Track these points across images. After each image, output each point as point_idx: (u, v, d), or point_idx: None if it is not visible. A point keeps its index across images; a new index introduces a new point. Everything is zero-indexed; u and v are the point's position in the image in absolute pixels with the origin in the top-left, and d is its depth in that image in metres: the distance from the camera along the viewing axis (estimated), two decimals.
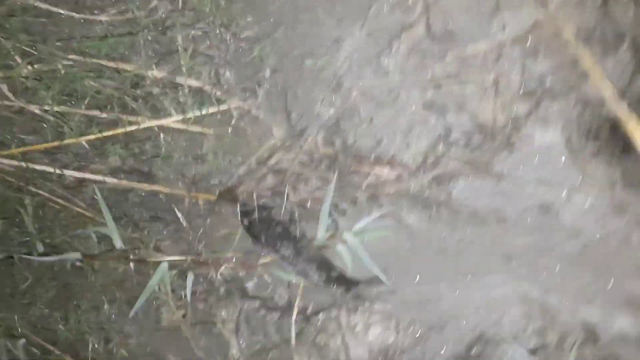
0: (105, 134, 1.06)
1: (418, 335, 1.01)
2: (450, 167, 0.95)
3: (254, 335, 1.08)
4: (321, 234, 1.01)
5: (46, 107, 1.08)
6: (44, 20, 1.01)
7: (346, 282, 1.02)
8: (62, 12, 0.96)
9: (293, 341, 1.04)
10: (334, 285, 1.01)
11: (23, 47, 1.03)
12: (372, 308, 1.03)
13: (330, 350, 1.01)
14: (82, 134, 1.08)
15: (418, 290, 1.02)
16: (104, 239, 1.20)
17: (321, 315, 1.04)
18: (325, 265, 1.02)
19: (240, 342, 1.09)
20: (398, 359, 1.02)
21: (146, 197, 1.18)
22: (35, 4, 0.96)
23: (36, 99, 1.08)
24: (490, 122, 0.90)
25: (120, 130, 1.06)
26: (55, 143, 1.09)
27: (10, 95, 1.06)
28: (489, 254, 0.97)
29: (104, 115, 1.08)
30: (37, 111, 1.08)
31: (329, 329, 1.01)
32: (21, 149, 1.09)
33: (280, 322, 1.07)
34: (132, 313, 1.05)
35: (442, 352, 1.00)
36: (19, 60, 1.03)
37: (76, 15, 0.98)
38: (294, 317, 1.05)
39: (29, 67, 1.03)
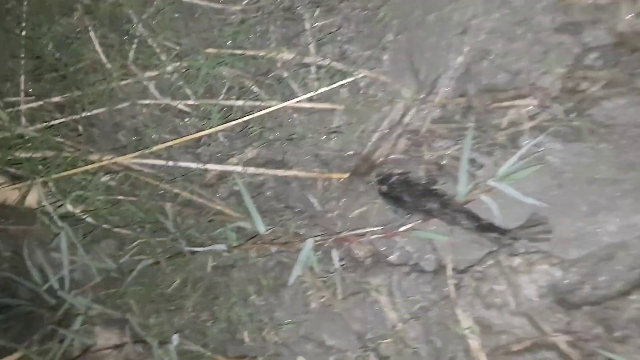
0: (243, 118, 1.11)
1: (586, 271, 0.96)
2: (591, 89, 0.95)
3: (409, 297, 1.06)
4: (462, 186, 1.01)
5: (189, 102, 1.15)
6: (184, 14, 1.10)
7: (498, 229, 1.00)
8: (201, 3, 1.05)
9: (453, 295, 1.01)
10: (488, 232, 0.99)
11: (167, 44, 1.12)
12: (530, 248, 1.00)
13: (496, 295, 0.97)
14: (220, 124, 1.14)
15: (575, 226, 0.99)
16: (243, 234, 1.23)
17: (478, 266, 1.01)
18: (474, 215, 1.01)
19: (397, 305, 1.06)
20: (570, 297, 0.97)
21: (279, 188, 1.22)
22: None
23: (180, 95, 1.16)
24: (628, 31, 0.90)
25: (256, 114, 1.11)
26: (198, 134, 1.15)
27: (156, 93, 1.15)
28: None
29: (241, 102, 1.14)
30: (181, 107, 1.15)
31: (490, 276, 0.99)
32: (166, 144, 1.16)
33: (434, 281, 1.05)
34: (290, 281, 1.06)
35: (615, 284, 0.94)
36: (163, 58, 1.12)
37: (215, 6, 1.07)
38: (449, 271, 1.03)
39: (173, 64, 1.11)
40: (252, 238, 1.23)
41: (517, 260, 0.99)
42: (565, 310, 0.97)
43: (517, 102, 0.99)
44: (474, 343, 1.01)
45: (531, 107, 0.99)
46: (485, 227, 1.02)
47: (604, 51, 0.96)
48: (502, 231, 1.03)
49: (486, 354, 1.01)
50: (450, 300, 1.04)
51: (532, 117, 1.00)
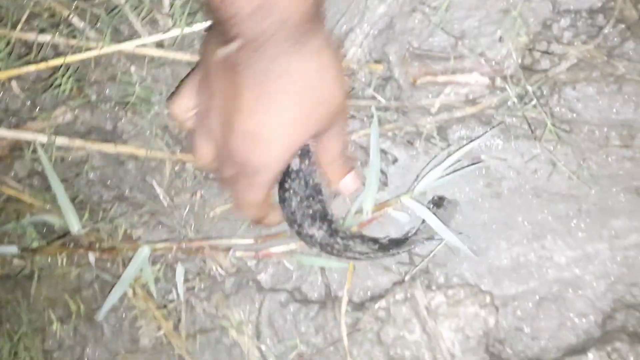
0: (50, 62, 0.68)
1: (524, 313, 0.68)
2: (554, 70, 0.64)
3: (283, 340, 0.71)
4: (369, 201, 0.69)
5: None
6: None
7: (405, 242, 0.68)
8: None
9: (345, 341, 0.68)
10: (391, 251, 0.66)
11: None
12: (451, 281, 0.70)
13: (406, 346, 0.66)
14: (12, 68, 0.70)
15: (513, 251, 0.71)
16: (49, 233, 0.82)
17: (383, 300, 0.69)
18: (370, 238, 0.67)
19: (265, 350, 0.71)
20: (504, 352, 0.68)
21: (108, 169, 0.82)
22: None
23: None
24: None
25: (71, 58, 0.69)
26: None
27: None
28: (613, 190, 0.67)
29: (47, 38, 0.71)
30: None
31: (399, 317, 0.67)
32: None
33: (320, 317, 0.71)
34: (100, 316, 0.68)
35: (562, 335, 0.67)
36: None
37: None
38: (343, 307, 0.69)
39: None
40: (61, 237, 0.81)
41: (437, 298, 0.68)
42: None
43: (457, 77, 0.66)
44: None
45: (475, 86, 0.67)
46: (386, 247, 0.70)
47: (581, 18, 0.66)
48: (409, 244, 0.71)
49: None
50: (342, 347, 0.71)
51: (473, 101, 0.68)
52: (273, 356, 0.76)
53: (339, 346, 0.74)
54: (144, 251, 0.76)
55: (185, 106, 0.67)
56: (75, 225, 0.78)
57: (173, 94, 0.72)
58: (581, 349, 0.68)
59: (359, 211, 0.73)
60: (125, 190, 0.88)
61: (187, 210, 0.87)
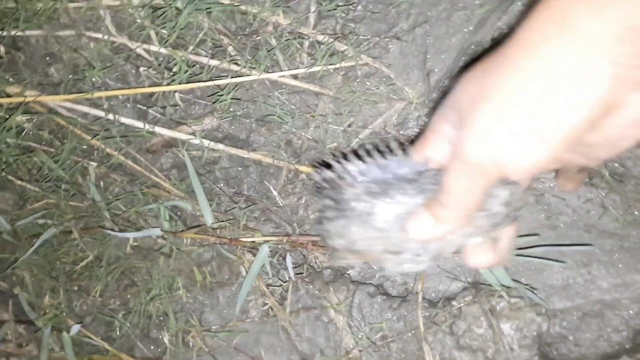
0: (214, 82, 0.89)
1: (569, 324, 0.86)
2: None
3: (371, 323, 0.90)
4: None
5: (152, 48, 0.91)
6: None
7: None
8: None
9: (422, 328, 0.86)
10: None
11: None
12: (511, 294, 0.88)
13: (474, 338, 0.84)
14: (183, 82, 0.91)
15: (564, 274, 0.88)
16: (179, 217, 1.02)
17: (455, 301, 0.87)
18: None
19: (356, 330, 0.90)
20: (552, 353, 0.86)
21: (233, 170, 1.02)
22: None
23: (141, 37, 0.92)
24: None
25: (228, 80, 0.90)
26: (155, 89, 0.91)
27: (112, 28, 0.89)
28: None
29: (216, 62, 0.92)
30: (140, 51, 0.91)
31: (470, 315, 0.85)
32: (110, 92, 0.91)
33: (402, 309, 0.90)
34: (238, 308, 0.87)
35: (599, 344, 0.84)
36: None
37: None
38: (419, 301, 0.88)
39: None
40: (193, 227, 1.01)
41: (502, 303, 0.86)
42: None
43: None
44: None
45: None
46: None
47: None
48: None
49: None
50: (419, 334, 0.89)
51: None
52: (362, 334, 0.94)
53: (416, 332, 0.92)
54: (264, 249, 0.96)
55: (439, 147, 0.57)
56: (209, 219, 0.98)
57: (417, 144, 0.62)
58: (614, 356, 0.86)
59: None
60: (245, 188, 1.08)
61: (294, 210, 1.07)
